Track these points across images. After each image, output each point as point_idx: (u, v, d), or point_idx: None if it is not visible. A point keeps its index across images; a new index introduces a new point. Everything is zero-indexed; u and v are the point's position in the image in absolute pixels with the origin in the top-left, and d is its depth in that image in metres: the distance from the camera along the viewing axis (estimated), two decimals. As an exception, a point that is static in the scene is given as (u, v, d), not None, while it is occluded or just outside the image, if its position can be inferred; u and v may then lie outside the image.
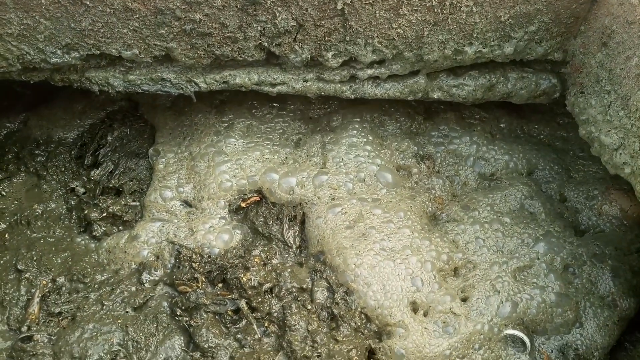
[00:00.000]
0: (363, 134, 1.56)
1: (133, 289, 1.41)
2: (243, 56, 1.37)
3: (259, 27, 1.31)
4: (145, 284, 1.41)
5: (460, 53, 1.38)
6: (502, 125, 1.69)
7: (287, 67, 1.44)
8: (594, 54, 1.27)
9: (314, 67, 1.44)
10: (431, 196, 1.52)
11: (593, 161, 1.61)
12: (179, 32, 1.31)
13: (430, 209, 1.51)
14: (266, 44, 1.35)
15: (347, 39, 1.34)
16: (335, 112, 1.65)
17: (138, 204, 1.56)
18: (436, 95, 1.49)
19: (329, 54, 1.37)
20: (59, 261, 1.47)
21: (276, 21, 1.30)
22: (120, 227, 1.54)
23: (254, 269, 1.32)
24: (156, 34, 1.31)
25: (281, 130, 1.60)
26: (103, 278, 1.44)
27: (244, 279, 1.29)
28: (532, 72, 1.48)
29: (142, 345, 1.30)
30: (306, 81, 1.45)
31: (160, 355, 1.29)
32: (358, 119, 1.61)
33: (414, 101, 1.62)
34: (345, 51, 1.37)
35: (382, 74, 1.43)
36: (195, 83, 1.43)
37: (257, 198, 1.53)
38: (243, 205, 1.53)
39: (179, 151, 1.57)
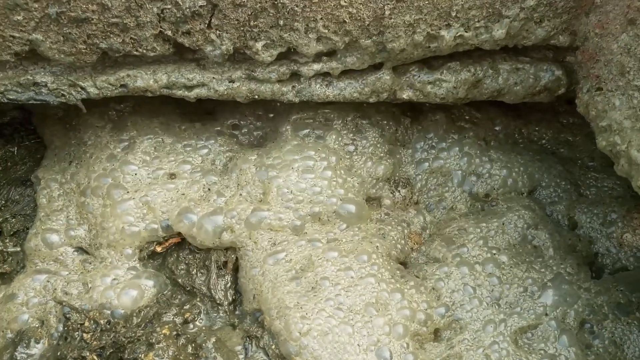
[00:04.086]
0: (324, 154, 1.18)
1: (2, 371, 1.03)
2: (140, 50, 1.00)
3: (155, 9, 0.94)
4: (20, 364, 1.04)
5: (435, 39, 1.03)
6: (497, 128, 1.35)
7: (206, 64, 1.07)
8: (615, 35, 0.92)
9: (242, 63, 1.07)
10: (405, 232, 1.17)
11: (608, 174, 1.28)
12: (42, 17, 0.93)
13: (402, 248, 1.15)
14: (170, 33, 0.98)
15: (281, 22, 0.98)
16: (282, 115, 1.26)
17: (20, 249, 1.18)
18: (406, 95, 1.14)
19: (258, 45, 1.01)
20: None
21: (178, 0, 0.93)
22: (-4, 282, 1.16)
23: (160, 345, 0.96)
24: (10, 21, 0.93)
25: (206, 150, 1.22)
26: (-36, 356, 1.07)
27: (144, 361, 0.93)
28: (530, 63, 1.14)
29: None
30: (232, 81, 1.08)
31: None
32: (320, 130, 1.22)
33: (393, 101, 1.24)
34: (281, 40, 1.01)
35: (333, 69, 1.08)
36: (82, 88, 1.06)
37: (178, 239, 1.17)
38: (159, 249, 1.16)
39: (64, 180, 1.18)
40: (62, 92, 1.06)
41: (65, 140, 1.22)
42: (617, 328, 1.02)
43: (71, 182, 1.17)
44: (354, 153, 1.20)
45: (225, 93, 1.09)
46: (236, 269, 1.13)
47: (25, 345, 1.06)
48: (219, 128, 1.26)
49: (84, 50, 0.98)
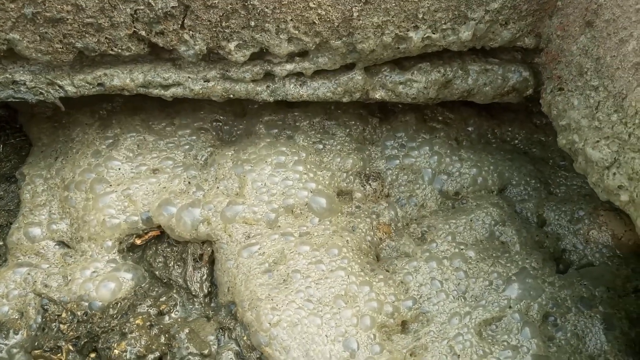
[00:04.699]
0: (295, 149, 1.22)
1: (-18, 360, 1.06)
2: (116, 50, 1.03)
3: (128, 10, 0.97)
4: (-1, 353, 1.07)
5: (404, 40, 1.06)
6: (470, 128, 1.38)
7: (182, 64, 1.10)
8: (575, 37, 0.96)
9: (217, 63, 1.10)
10: (374, 223, 1.20)
11: (577, 173, 1.30)
12: (18, 17, 0.96)
13: (373, 240, 1.18)
14: (144, 33, 1.01)
15: (252, 24, 1.01)
16: (257, 116, 1.31)
17: (2, 243, 1.21)
18: (379, 95, 1.17)
19: (231, 45, 1.04)
20: None
21: (150, 0, 0.96)
22: (-21, 274, 1.19)
23: (133, 335, 0.99)
24: (-11, 21, 0.96)
25: (187, 146, 1.26)
26: (-54, 346, 1.10)
27: (117, 350, 0.96)
28: (498, 64, 1.17)
29: None
30: (207, 81, 1.11)
31: None
32: (289, 130, 1.27)
33: (366, 101, 1.29)
34: (253, 40, 1.04)
35: (306, 69, 1.11)
36: (60, 86, 1.09)
37: (157, 232, 1.20)
38: (138, 242, 1.19)
39: (49, 176, 1.22)
40: (40, 90, 1.09)
41: (54, 138, 1.26)
42: (580, 321, 1.05)
43: (56, 177, 1.21)
44: (323, 150, 1.23)
45: (201, 92, 1.12)
46: (213, 262, 1.17)
47: (4, 336, 1.09)
48: (200, 123, 1.29)
49: (60, 50, 1.01)
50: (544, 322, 1.05)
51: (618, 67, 0.84)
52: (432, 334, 1.02)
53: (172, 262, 1.17)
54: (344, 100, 1.17)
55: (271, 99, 1.16)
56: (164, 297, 1.13)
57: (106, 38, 1.00)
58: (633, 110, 0.79)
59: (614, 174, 0.83)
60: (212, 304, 1.15)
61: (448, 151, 1.30)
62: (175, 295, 1.14)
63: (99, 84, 1.10)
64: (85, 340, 1.01)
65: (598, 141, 0.87)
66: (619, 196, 0.83)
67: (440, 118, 1.39)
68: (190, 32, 1.01)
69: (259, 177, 1.19)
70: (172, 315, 1.12)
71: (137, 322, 1.01)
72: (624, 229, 1.15)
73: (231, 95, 1.14)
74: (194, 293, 1.14)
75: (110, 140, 1.22)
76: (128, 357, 0.96)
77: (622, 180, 0.82)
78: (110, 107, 1.29)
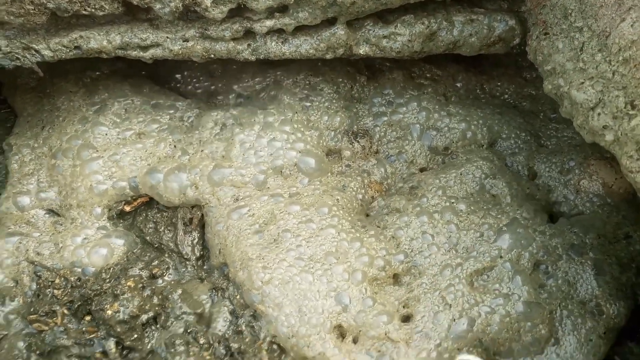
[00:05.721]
0: (281, 108, 1.21)
1: (-19, 327, 1.07)
2: (89, 9, 1.00)
3: (99, -34, 0.94)
4: (-4, 321, 1.08)
5: (386, -10, 1.03)
6: (458, 84, 1.36)
7: (160, 24, 1.08)
8: (561, -23, 0.93)
9: (195, 22, 1.08)
10: (365, 181, 1.19)
11: (568, 124, 1.29)
12: (-13, -21, 0.93)
13: (364, 198, 1.18)
14: (118, -9, 0.98)
15: (229, -23, 0.98)
16: (243, 73, 1.29)
17: (-8, 214, 1.21)
18: (362, 50, 1.15)
19: (207, 1, 1.01)
20: None
21: (122, -44, 0.93)
22: (-29, 247, 1.19)
23: (125, 296, 0.99)
24: (-44, -17, 0.93)
25: (173, 109, 1.24)
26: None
27: (109, 311, 0.97)
28: (484, 14, 1.14)
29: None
30: (186, 40, 1.09)
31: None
32: (276, 87, 1.25)
33: (350, 57, 1.26)
34: (230, -5, 1.01)
35: (286, 25, 1.08)
36: (36, 51, 1.07)
37: (146, 199, 1.19)
38: (128, 209, 1.19)
39: (36, 145, 1.21)
40: (16, 55, 1.06)
41: (39, 107, 1.25)
42: (571, 268, 1.05)
43: (43, 146, 1.20)
44: (310, 108, 1.22)
45: (180, 52, 1.10)
46: (203, 226, 1.17)
47: (0, 302, 1.09)
48: (185, 83, 1.28)
49: (32, 11, 0.99)
50: (535, 270, 1.05)
51: (601, 5, 0.81)
52: (424, 285, 1.03)
53: (162, 227, 1.17)
54: (327, 57, 1.15)
55: (253, 58, 1.13)
56: (157, 262, 1.14)
57: (79, -2, 0.98)
58: (617, 47, 0.78)
59: (599, 114, 0.82)
60: (205, 267, 1.15)
61: (436, 107, 1.28)
62: (167, 260, 1.14)
63: (75, 47, 1.07)
64: (79, 303, 1.02)
65: (583, 82, 0.86)
66: (604, 136, 0.82)
67: (428, 75, 1.36)
68: (166, -12, 0.98)
69: (247, 139, 1.18)
70: (165, 278, 1.12)
71: (128, 284, 1.02)
72: (615, 177, 1.15)
73: (212, 55, 1.12)
74: (186, 257, 1.14)
75: (98, 107, 1.21)
76: (121, 317, 0.97)
77: (606, 120, 0.81)
78: (93, 75, 1.27)
